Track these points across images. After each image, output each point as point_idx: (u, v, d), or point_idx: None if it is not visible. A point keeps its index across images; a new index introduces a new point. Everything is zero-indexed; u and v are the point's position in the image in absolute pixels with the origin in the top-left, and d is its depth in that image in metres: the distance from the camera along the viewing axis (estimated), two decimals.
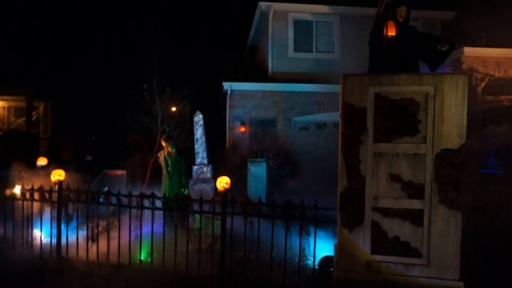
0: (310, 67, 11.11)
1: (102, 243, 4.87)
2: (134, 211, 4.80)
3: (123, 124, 11.00)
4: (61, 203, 5.02)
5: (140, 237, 4.73)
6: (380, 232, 3.67)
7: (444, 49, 3.64)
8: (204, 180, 8.59)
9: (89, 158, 12.49)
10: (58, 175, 5.22)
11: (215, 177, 8.67)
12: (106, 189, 5.34)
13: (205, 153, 8.92)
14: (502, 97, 9.23)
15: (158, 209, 4.65)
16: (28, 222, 5.17)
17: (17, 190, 5.41)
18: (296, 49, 11.34)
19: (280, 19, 11.22)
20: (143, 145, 10.76)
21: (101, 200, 4.96)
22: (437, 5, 11.30)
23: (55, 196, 5.05)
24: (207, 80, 17.03)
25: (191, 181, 8.36)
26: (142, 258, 4.87)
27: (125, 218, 4.95)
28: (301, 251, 4.32)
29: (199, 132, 8.97)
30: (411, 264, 3.59)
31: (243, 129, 10.76)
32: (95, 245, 4.91)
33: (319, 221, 4.15)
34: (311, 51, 11.40)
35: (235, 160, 9.91)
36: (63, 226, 5.02)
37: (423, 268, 3.56)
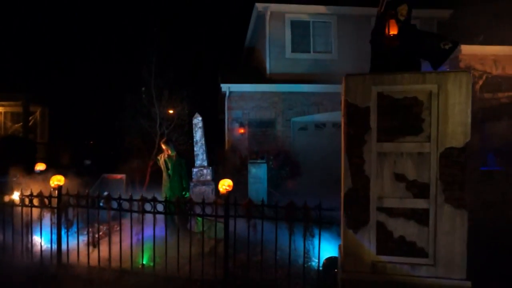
0: (308, 67, 11.10)
1: (104, 248, 4.81)
2: (135, 215, 4.75)
3: (121, 127, 10.93)
4: (61, 209, 4.96)
5: (142, 242, 4.68)
6: (385, 232, 3.64)
7: (447, 47, 3.62)
8: (204, 183, 8.56)
9: (87, 162, 12.42)
10: (57, 180, 5.17)
11: (215, 179, 8.64)
12: (106, 193, 5.29)
13: (204, 155, 8.88)
14: (500, 95, 9.24)
15: (160, 213, 4.60)
16: (28, 228, 5.10)
17: (15, 196, 5.35)
18: (293, 50, 11.34)
19: (277, 20, 11.21)
20: (142, 148, 10.70)
21: (101, 204, 4.91)
22: (433, 4, 11.33)
23: (54, 201, 4.99)
24: (204, 82, 17.01)
25: (191, 184, 8.32)
26: (144, 262, 4.82)
27: (125, 222, 4.90)
28: (305, 252, 4.28)
29: (198, 134, 8.94)
30: (417, 264, 3.56)
31: (242, 131, 10.73)
32: (96, 251, 4.86)
33: (323, 222, 4.12)
34: (309, 52, 11.41)
35: (234, 162, 9.88)
36: (63, 232, 4.96)
37: (430, 268, 3.52)
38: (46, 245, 5.18)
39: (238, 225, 4.42)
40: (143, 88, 10.83)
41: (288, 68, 11.14)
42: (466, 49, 8.83)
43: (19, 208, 5.12)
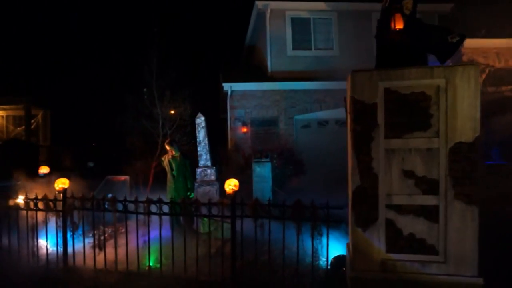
0: (310, 64, 11.04)
1: (110, 250, 4.79)
2: (140, 216, 4.72)
3: (124, 129, 10.91)
4: (66, 212, 4.94)
5: (148, 243, 4.65)
6: (395, 230, 3.60)
7: (454, 40, 3.56)
8: (209, 183, 8.49)
9: (90, 164, 12.40)
10: (62, 183, 5.13)
11: (219, 179, 8.60)
12: (110, 195, 5.26)
13: (208, 155, 8.83)
14: (504, 88, 9.18)
15: (166, 214, 4.57)
16: (33, 232, 5.08)
17: (20, 200, 5.33)
18: (294, 47, 11.28)
19: (277, 18, 11.15)
20: (145, 149, 10.67)
21: (106, 206, 4.88)
22: None
23: (59, 204, 4.96)
24: (205, 82, 16.96)
25: (196, 184, 8.28)
26: (151, 264, 4.79)
27: (131, 224, 4.87)
28: (313, 251, 4.24)
29: (201, 134, 8.88)
30: (427, 262, 3.52)
31: (245, 130, 10.69)
32: (102, 253, 4.83)
33: (331, 221, 4.07)
34: (310, 49, 11.33)
35: (238, 161, 9.84)
36: (69, 235, 4.94)
37: (440, 265, 3.48)
38: (51, 249, 5.16)
39: (245, 225, 4.38)
40: (145, 89, 10.79)
41: (290, 66, 11.08)
42: (469, 43, 8.75)
43: (24, 212, 5.10)
